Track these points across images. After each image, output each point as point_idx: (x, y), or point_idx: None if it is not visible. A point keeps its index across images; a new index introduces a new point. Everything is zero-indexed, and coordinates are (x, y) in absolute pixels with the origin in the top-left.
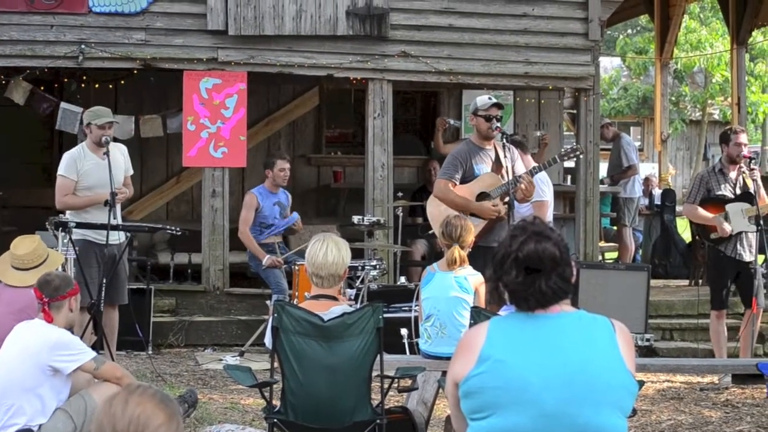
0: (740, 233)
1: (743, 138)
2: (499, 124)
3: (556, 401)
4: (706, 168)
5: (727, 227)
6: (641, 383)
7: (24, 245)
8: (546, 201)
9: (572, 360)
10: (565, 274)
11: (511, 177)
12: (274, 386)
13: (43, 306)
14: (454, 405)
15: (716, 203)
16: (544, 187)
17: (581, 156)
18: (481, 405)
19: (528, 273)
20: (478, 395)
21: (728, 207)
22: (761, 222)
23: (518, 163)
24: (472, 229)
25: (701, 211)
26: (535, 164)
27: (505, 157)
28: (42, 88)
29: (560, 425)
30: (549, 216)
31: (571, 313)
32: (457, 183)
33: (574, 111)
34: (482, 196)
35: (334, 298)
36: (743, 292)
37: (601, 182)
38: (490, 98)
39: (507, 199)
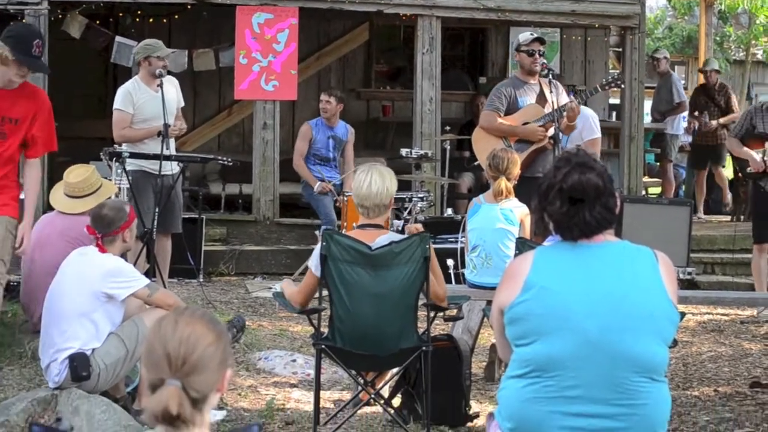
0: None
1: None
2: (545, 61)
3: (599, 328)
4: (755, 104)
5: (758, 159)
6: (683, 315)
7: (76, 173)
8: (599, 138)
9: (615, 288)
10: (609, 204)
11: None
12: (322, 313)
13: (96, 241)
14: (499, 332)
15: (758, 139)
16: (598, 123)
17: (622, 86)
18: (526, 331)
19: (572, 203)
20: (523, 322)
21: None
22: None
23: (563, 97)
24: (518, 162)
25: (740, 145)
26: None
27: (551, 92)
28: (97, 22)
29: (602, 352)
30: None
31: (615, 243)
32: (502, 114)
33: (620, 49)
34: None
35: (381, 227)
36: None
37: (658, 120)
38: (531, 34)
39: (552, 133)
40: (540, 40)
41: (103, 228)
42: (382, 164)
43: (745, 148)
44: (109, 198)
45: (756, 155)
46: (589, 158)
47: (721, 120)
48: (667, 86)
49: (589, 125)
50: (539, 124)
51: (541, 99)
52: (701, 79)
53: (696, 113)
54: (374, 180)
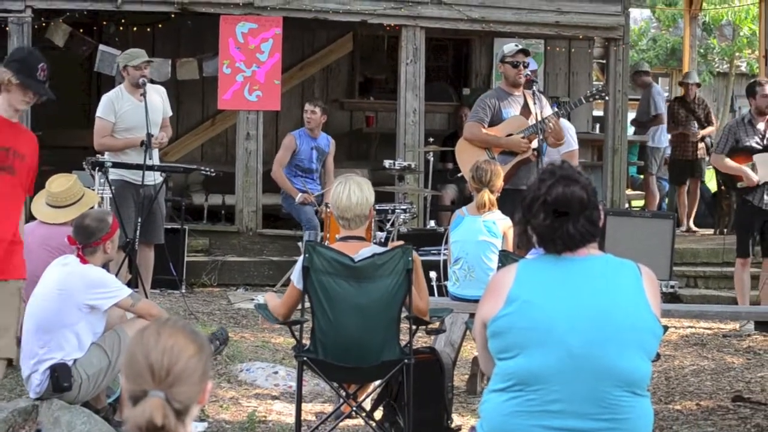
0: (766, 183)
1: None
2: (529, 72)
3: (582, 342)
4: (735, 119)
5: (754, 177)
6: (665, 328)
7: (58, 183)
8: (576, 150)
9: (599, 302)
10: (593, 217)
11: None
12: (304, 325)
13: (77, 251)
14: (481, 345)
15: (744, 153)
16: (575, 135)
17: (606, 98)
18: (508, 345)
19: (556, 216)
20: (506, 335)
21: (756, 157)
22: None
23: (547, 109)
24: (502, 174)
25: (729, 161)
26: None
27: (535, 104)
28: (81, 30)
29: (585, 366)
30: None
31: (599, 256)
32: (486, 126)
33: (604, 61)
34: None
35: (362, 239)
36: (766, 241)
37: (639, 132)
38: (516, 45)
39: (536, 145)
40: (524, 52)
41: (84, 239)
42: (357, 175)
43: (734, 163)
44: (92, 208)
45: (749, 170)
46: (574, 171)
47: (702, 132)
48: (646, 98)
49: (566, 137)
50: (523, 135)
51: (525, 111)
52: (683, 92)
53: (673, 123)
54: (353, 191)
